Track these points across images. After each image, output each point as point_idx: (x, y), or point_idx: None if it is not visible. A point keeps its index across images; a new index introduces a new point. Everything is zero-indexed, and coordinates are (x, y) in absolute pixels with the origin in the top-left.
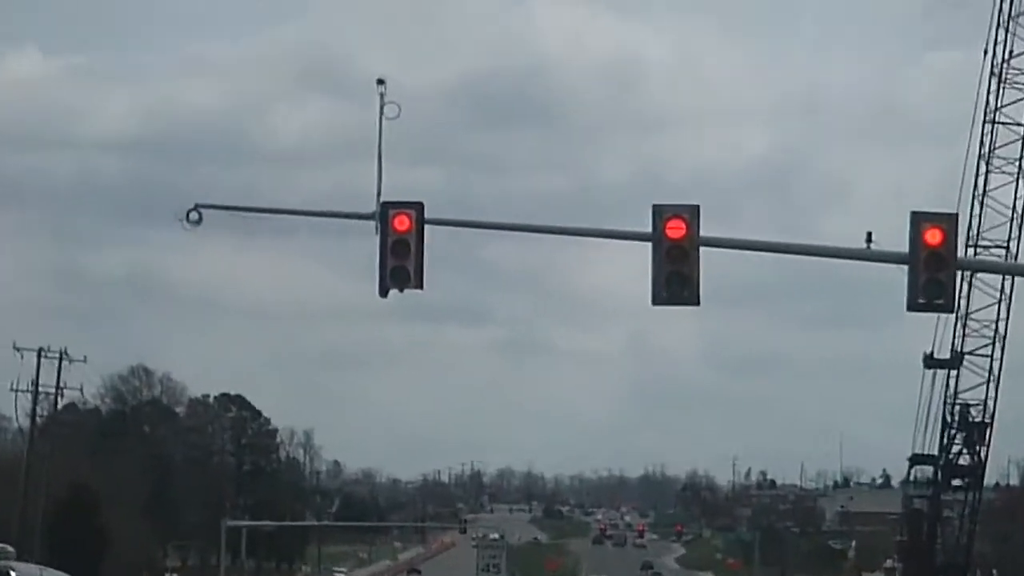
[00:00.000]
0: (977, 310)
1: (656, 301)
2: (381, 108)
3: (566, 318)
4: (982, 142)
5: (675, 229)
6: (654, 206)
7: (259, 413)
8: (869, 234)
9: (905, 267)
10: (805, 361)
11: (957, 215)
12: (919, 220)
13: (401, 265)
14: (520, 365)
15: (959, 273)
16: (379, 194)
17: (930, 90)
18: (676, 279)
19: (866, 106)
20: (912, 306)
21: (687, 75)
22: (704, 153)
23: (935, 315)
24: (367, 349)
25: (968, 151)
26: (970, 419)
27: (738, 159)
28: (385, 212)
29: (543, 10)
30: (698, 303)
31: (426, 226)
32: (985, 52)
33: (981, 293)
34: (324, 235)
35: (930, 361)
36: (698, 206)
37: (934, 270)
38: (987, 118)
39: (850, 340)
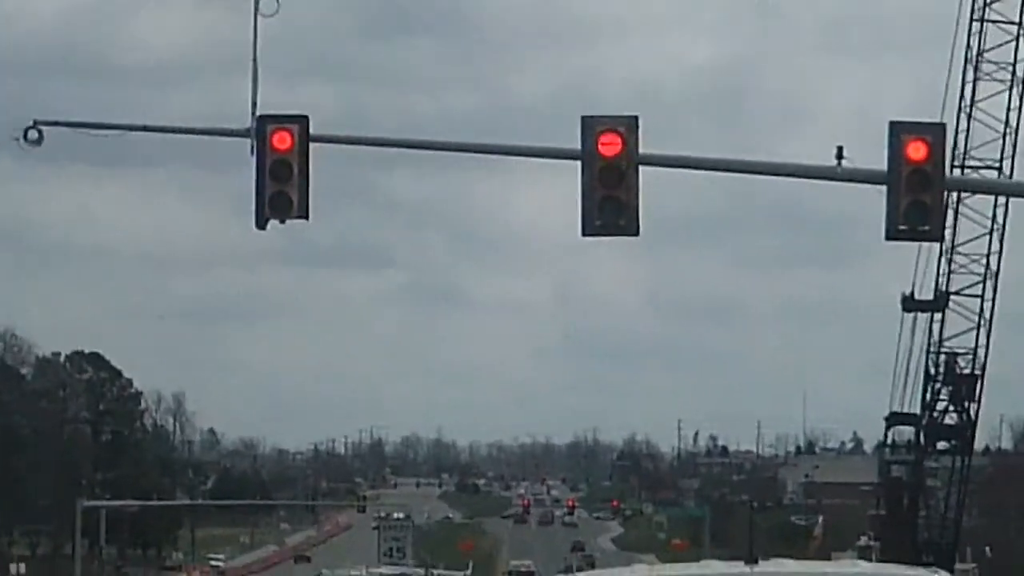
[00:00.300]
0: (964, 242)
1: (587, 231)
2: (256, 3)
3: (482, 260)
4: (968, 45)
5: (609, 145)
6: (584, 118)
7: (119, 374)
8: (840, 149)
9: (883, 188)
10: (762, 307)
11: (944, 125)
12: (900, 131)
13: (282, 190)
14: (427, 316)
15: (946, 195)
16: (255, 106)
17: None
18: (611, 205)
19: (827, 8)
20: (892, 234)
21: None
22: (640, 65)
23: (915, 249)
24: (247, 299)
25: (952, 57)
26: (957, 371)
27: (679, 72)
28: (262, 128)
29: None
30: (637, 233)
31: (312, 145)
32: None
33: (969, 223)
34: (195, 165)
35: (910, 303)
36: (636, 117)
37: (918, 190)
38: (974, 16)
39: (815, 281)
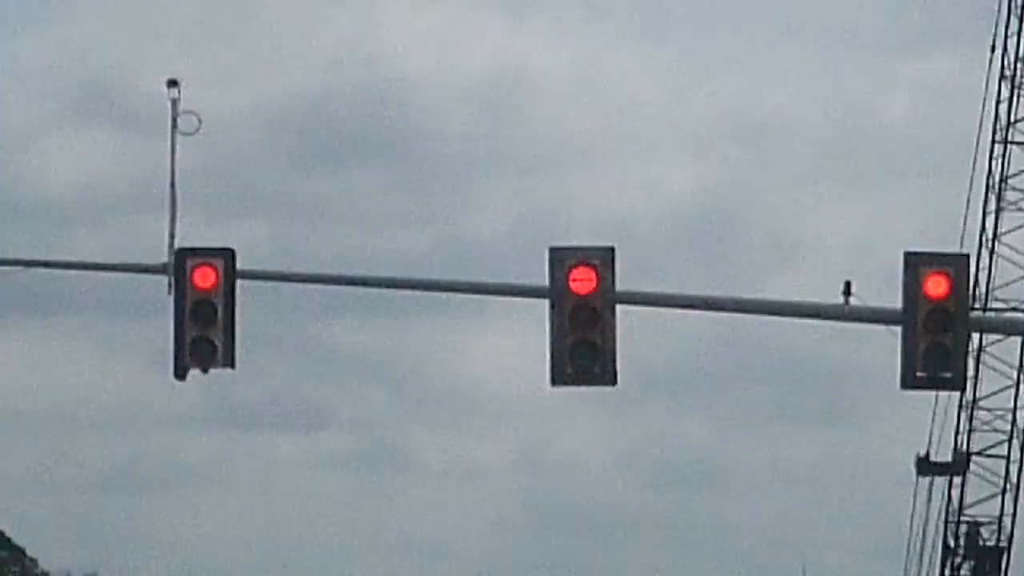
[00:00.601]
0: (988, 395)
1: (557, 380)
2: (174, 121)
3: (434, 419)
4: (990, 170)
5: (582, 281)
6: (552, 250)
7: (23, 552)
8: (848, 285)
9: (898, 329)
10: (755, 471)
11: (968, 256)
12: (917, 264)
13: (204, 335)
14: (371, 483)
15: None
16: (173, 238)
17: (905, 109)
18: (584, 350)
19: (821, 133)
20: (909, 382)
21: (587, 95)
22: (610, 197)
23: (930, 403)
24: (166, 465)
25: (972, 184)
26: (980, 542)
27: (656, 204)
28: (182, 263)
29: (394, 12)
30: (614, 382)
31: (240, 283)
32: (993, 48)
33: (993, 373)
34: (108, 312)
35: (925, 465)
36: (612, 249)
37: (938, 331)
38: (996, 137)
39: (815, 442)
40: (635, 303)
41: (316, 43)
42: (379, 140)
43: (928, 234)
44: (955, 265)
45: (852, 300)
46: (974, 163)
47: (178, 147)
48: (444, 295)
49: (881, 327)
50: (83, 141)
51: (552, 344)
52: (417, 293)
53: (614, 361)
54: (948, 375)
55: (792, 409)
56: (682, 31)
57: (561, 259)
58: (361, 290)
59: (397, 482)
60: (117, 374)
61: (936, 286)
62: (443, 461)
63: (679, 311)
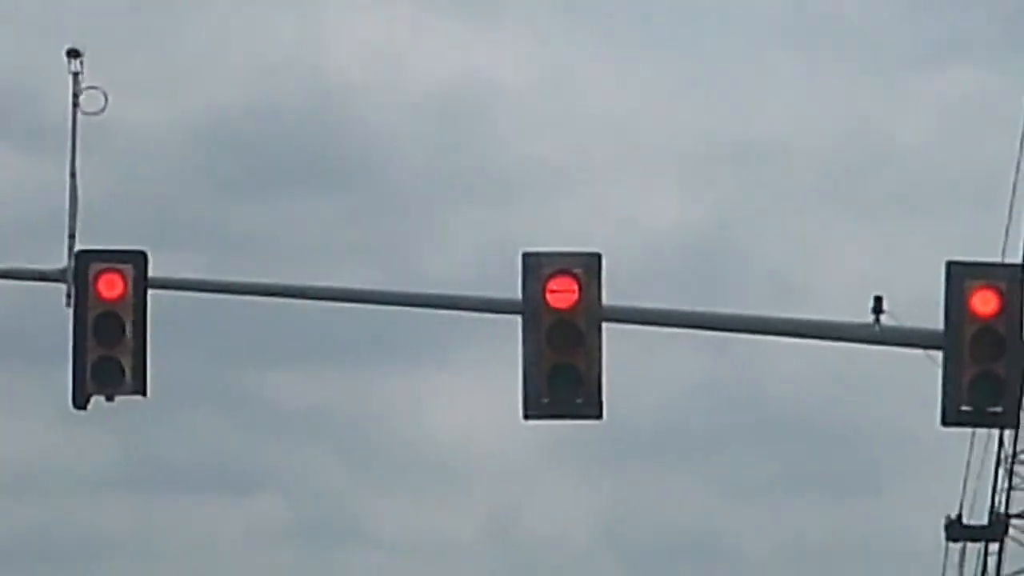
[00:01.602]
0: None
1: (531, 412)
2: (75, 98)
3: (390, 486)
4: None
5: (561, 293)
6: (526, 256)
7: None
8: (879, 301)
9: (938, 354)
10: (756, 545)
11: (1022, 267)
12: (962, 276)
13: (109, 355)
14: (316, 559)
15: None
16: (73, 239)
17: (923, 127)
18: (564, 376)
19: (826, 155)
20: (951, 417)
21: (560, 112)
22: (586, 228)
23: (960, 464)
24: (76, 535)
25: (1013, 204)
26: None
27: (637, 236)
28: (83, 268)
29: (341, 16)
30: (599, 415)
31: (151, 292)
32: None
33: None
34: (2, 359)
35: (957, 529)
36: (599, 256)
37: (988, 357)
38: None
39: (825, 510)
40: (625, 321)
41: (250, 51)
42: (324, 162)
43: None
44: (1007, 278)
45: (884, 319)
46: (1014, 185)
47: (93, 166)
48: (402, 341)
49: (918, 352)
50: None
51: (525, 369)
52: (370, 340)
53: (600, 390)
54: (998, 410)
55: (799, 474)
56: (669, 40)
57: (537, 267)
58: (304, 337)
59: (346, 557)
60: (15, 430)
61: (985, 303)
62: (400, 533)
63: (668, 363)
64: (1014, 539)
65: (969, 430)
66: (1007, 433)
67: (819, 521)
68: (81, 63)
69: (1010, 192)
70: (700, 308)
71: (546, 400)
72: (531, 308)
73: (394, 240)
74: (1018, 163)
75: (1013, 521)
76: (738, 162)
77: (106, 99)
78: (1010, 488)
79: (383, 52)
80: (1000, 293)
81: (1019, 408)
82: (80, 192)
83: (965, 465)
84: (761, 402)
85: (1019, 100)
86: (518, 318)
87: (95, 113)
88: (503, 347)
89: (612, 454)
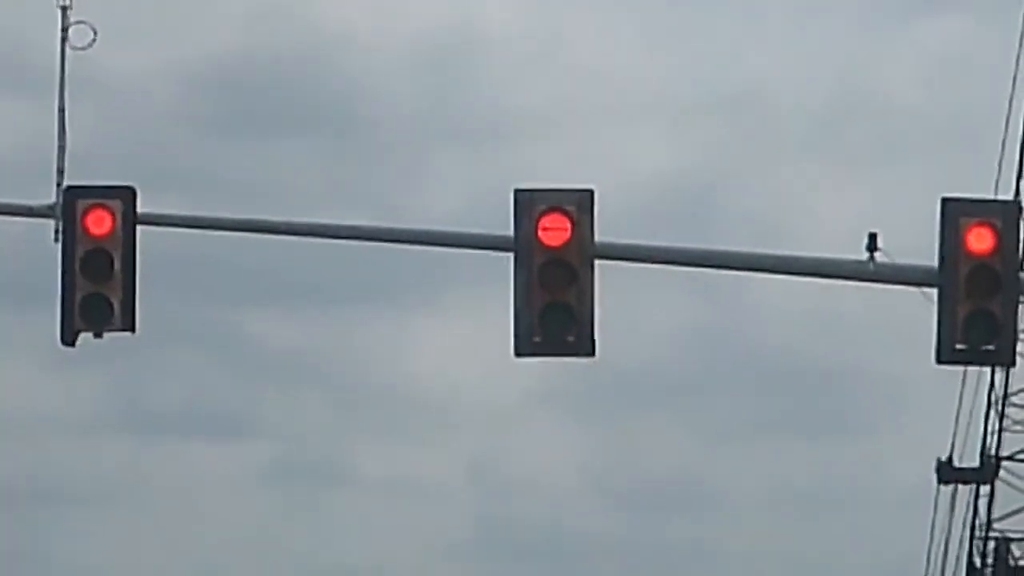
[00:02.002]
0: (1021, 390)
1: (522, 350)
2: (64, 32)
3: (374, 428)
4: None
5: (554, 231)
6: (518, 193)
7: None
8: (873, 238)
9: (933, 292)
10: (747, 490)
11: (1020, 204)
12: (957, 213)
13: (98, 291)
14: (302, 500)
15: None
16: (61, 174)
17: (910, 75)
18: (556, 314)
19: (812, 103)
20: (946, 355)
21: (547, 60)
22: (573, 174)
23: (952, 401)
24: (66, 478)
25: (1004, 148)
26: (1011, 561)
27: (624, 183)
28: (71, 204)
29: None
30: (592, 352)
31: (140, 230)
32: None
33: None
34: None
35: (948, 471)
36: (591, 192)
37: (983, 294)
38: None
39: (813, 453)
40: (618, 257)
41: None
42: (311, 107)
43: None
44: (1003, 215)
45: (879, 256)
46: (1006, 126)
47: (78, 108)
48: (389, 282)
49: (911, 290)
50: None
51: (516, 307)
52: (356, 281)
53: (592, 327)
54: (992, 348)
55: (787, 417)
56: None
57: (529, 204)
58: (289, 278)
59: (331, 498)
60: (4, 374)
61: (980, 240)
62: (384, 475)
63: (656, 309)
64: (1005, 481)
65: (960, 371)
66: (998, 374)
67: (806, 463)
68: None
69: (1000, 137)
70: (679, 276)
71: (538, 338)
72: (523, 245)
73: (381, 183)
74: (1011, 100)
75: (1004, 464)
76: (725, 111)
77: (95, 34)
78: (1001, 430)
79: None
80: (996, 230)
81: (1014, 346)
82: (68, 133)
83: (956, 407)
84: (750, 348)
85: (1002, 50)
86: (507, 258)
87: (83, 48)
88: (491, 289)
89: (598, 398)
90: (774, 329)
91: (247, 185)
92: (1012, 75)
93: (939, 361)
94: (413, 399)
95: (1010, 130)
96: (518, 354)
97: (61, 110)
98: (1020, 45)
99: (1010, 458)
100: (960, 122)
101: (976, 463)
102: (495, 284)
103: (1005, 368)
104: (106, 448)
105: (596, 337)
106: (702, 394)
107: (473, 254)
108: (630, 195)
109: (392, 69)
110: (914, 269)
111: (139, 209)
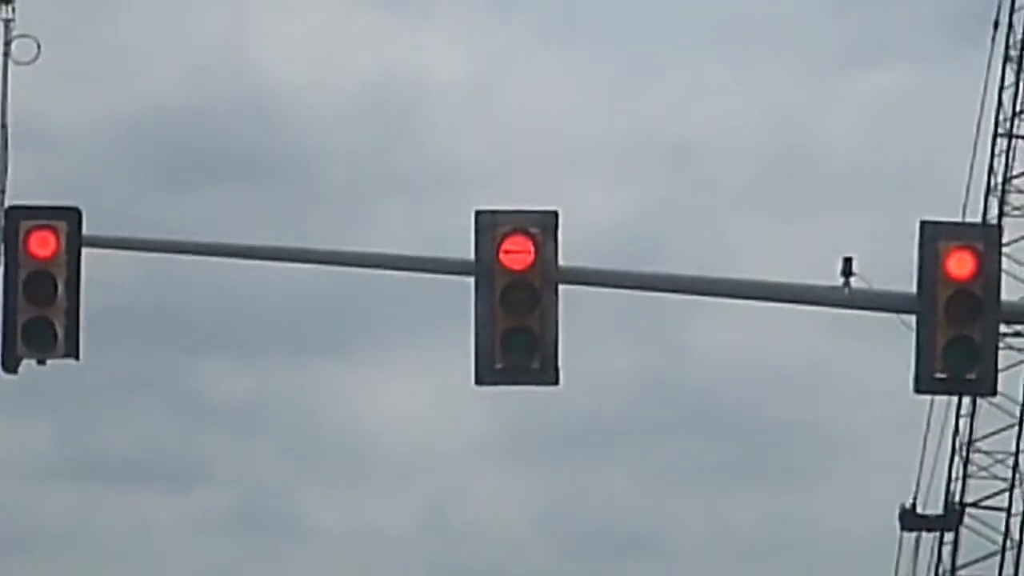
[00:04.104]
0: (987, 435)
1: (483, 378)
2: (7, 46)
3: (327, 478)
4: (991, 169)
5: (517, 254)
6: (479, 214)
7: None
8: (848, 262)
9: (911, 318)
10: (698, 537)
11: (999, 228)
12: (936, 237)
13: (41, 315)
14: (255, 549)
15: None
16: (3, 194)
17: (848, 126)
18: (519, 340)
19: (757, 153)
20: (925, 384)
21: (491, 107)
22: None
23: (916, 447)
24: (13, 524)
25: (968, 192)
26: None
27: (570, 233)
28: (13, 225)
29: (266, 13)
30: (556, 381)
31: (85, 251)
32: (996, 25)
33: (993, 409)
34: None
35: (911, 518)
36: (556, 213)
37: (964, 321)
38: (1000, 130)
39: (767, 501)
40: (583, 282)
41: (176, 48)
42: (255, 157)
43: (886, 265)
44: (983, 239)
45: (854, 282)
46: (971, 168)
47: (21, 157)
48: (339, 327)
49: (890, 316)
50: None
51: (477, 333)
52: (308, 331)
53: (556, 354)
54: (974, 375)
55: (739, 465)
56: (601, 36)
57: (490, 226)
58: (241, 328)
59: (283, 547)
60: None
61: (960, 264)
62: (336, 524)
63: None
64: (969, 527)
65: (923, 418)
66: (963, 420)
67: (760, 512)
68: (13, 10)
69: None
70: (624, 327)
71: (500, 365)
72: (484, 269)
73: (325, 233)
74: (975, 138)
75: (968, 510)
76: (669, 158)
77: (39, 48)
78: (965, 476)
79: (308, 48)
80: (977, 254)
81: (995, 375)
82: (9, 152)
83: (920, 453)
84: (700, 395)
85: (939, 99)
86: (459, 303)
87: (27, 63)
88: (442, 337)
89: (548, 444)
90: (724, 376)
91: (190, 235)
92: (956, 124)
93: (917, 391)
94: (365, 448)
95: (974, 177)
96: (479, 382)
97: (3, 127)
98: (983, 97)
99: (975, 504)
100: (902, 169)
101: (940, 510)
102: (446, 331)
103: (970, 415)
104: (57, 495)
105: (559, 366)
106: (652, 441)
107: (424, 303)
108: (574, 244)
109: (336, 119)
110: (891, 296)
111: (84, 231)
